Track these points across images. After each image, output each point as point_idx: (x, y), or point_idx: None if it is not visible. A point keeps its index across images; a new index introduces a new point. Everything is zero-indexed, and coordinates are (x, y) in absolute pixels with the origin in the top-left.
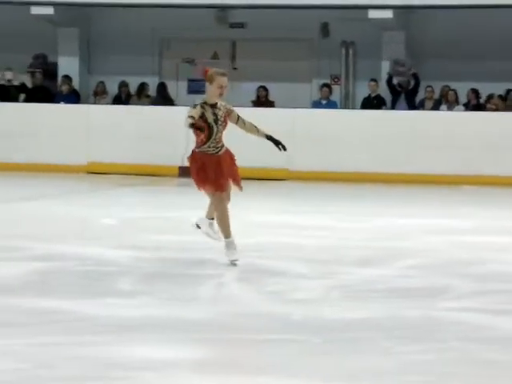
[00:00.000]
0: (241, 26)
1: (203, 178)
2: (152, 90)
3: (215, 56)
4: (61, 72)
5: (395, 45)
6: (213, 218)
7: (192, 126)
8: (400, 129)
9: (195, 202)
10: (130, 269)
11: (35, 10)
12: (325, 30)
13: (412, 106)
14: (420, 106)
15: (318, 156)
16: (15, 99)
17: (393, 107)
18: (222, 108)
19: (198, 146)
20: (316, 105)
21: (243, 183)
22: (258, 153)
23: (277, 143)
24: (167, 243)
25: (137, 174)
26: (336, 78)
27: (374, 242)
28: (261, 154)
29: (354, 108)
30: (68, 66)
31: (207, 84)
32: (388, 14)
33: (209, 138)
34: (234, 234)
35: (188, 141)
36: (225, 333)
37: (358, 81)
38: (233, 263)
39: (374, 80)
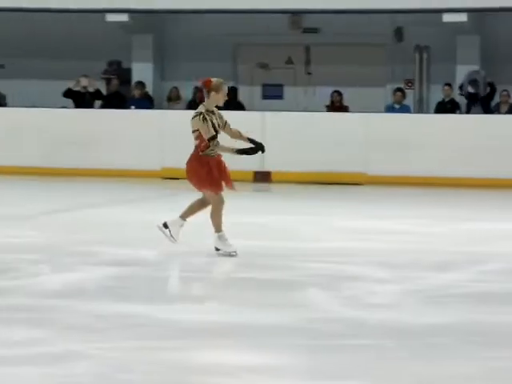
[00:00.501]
0: (315, 31)
1: (210, 180)
2: None
3: (289, 61)
4: (135, 78)
5: (470, 48)
6: (185, 220)
7: (249, 152)
8: (474, 133)
9: (271, 207)
10: (205, 274)
11: (110, 18)
12: (399, 34)
13: (487, 110)
14: (495, 110)
15: (392, 160)
16: (90, 106)
17: (467, 112)
18: (217, 113)
19: (202, 150)
20: (389, 109)
21: (320, 188)
22: (335, 157)
23: (256, 144)
24: (241, 248)
25: None
26: (410, 83)
27: (451, 247)
28: (338, 158)
29: (427, 112)
30: (142, 71)
31: (213, 93)
32: (462, 17)
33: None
34: (308, 239)
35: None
36: (301, 338)
37: (431, 85)
38: (231, 254)
39: (449, 84)
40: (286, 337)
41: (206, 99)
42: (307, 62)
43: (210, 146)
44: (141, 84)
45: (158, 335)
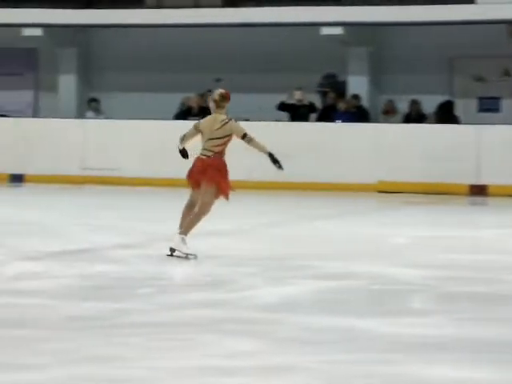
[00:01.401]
0: None
1: (227, 184)
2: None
3: (506, 73)
4: (350, 91)
5: None
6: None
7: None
8: None
9: (487, 220)
10: (421, 287)
11: (325, 31)
12: None
13: None
14: None
15: None
16: (305, 119)
17: None
18: None
19: (222, 155)
20: None
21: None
22: None
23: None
24: (459, 262)
25: (426, 193)
26: None
27: None
28: None
29: None
30: (357, 84)
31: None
32: None
33: None
34: None
35: (478, 159)
36: None
37: None
38: (189, 257)
39: None
40: (505, 352)
41: (220, 109)
42: None
43: None
44: (356, 98)
45: (373, 348)
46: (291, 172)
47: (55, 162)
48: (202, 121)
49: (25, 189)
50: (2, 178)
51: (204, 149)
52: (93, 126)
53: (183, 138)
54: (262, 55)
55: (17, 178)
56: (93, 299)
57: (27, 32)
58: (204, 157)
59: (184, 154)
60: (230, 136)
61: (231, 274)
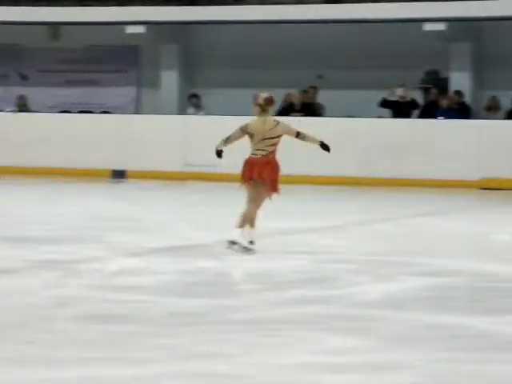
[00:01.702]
0: None
1: (278, 182)
2: None
3: None
4: (452, 87)
5: None
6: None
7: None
8: None
9: None
10: None
11: (428, 27)
12: None
13: None
14: None
15: None
16: (407, 115)
17: None
18: None
19: (274, 154)
20: None
21: None
22: None
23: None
24: None
25: None
26: None
27: None
28: None
29: None
30: (460, 81)
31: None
32: None
33: None
34: None
35: None
36: None
37: None
38: (248, 250)
39: None
40: None
41: (265, 114)
42: None
43: None
44: (459, 94)
45: (477, 347)
46: (395, 169)
47: (157, 158)
48: (250, 123)
49: (127, 185)
50: (105, 174)
51: (257, 149)
52: (194, 122)
53: (226, 140)
54: (364, 51)
55: (119, 174)
56: (194, 296)
57: (130, 29)
58: (258, 156)
59: (220, 154)
60: (280, 137)
61: (334, 270)
